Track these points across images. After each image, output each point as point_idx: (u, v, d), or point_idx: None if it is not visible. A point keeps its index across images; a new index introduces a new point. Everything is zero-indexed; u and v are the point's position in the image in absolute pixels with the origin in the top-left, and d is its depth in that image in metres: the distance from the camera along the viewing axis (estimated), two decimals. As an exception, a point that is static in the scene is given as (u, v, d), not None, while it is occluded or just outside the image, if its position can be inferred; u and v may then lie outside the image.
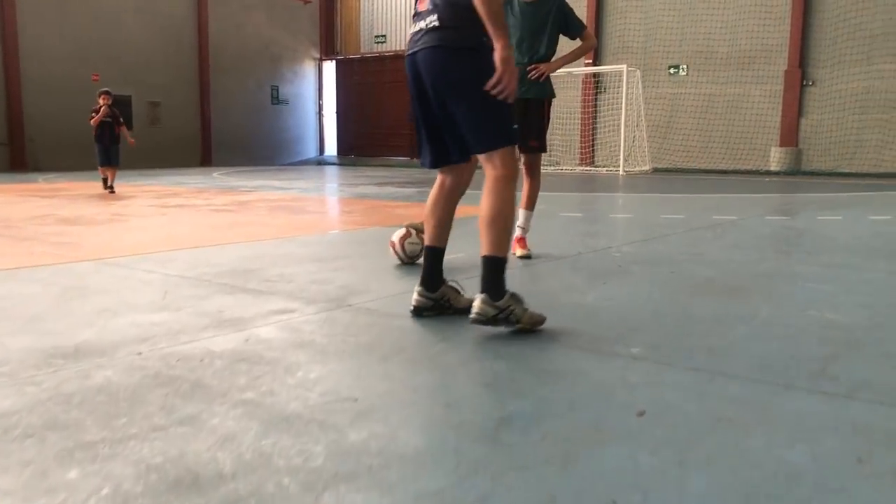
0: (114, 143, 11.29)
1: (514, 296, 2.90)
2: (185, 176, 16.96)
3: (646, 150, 18.90)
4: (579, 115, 21.74)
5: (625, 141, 18.09)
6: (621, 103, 18.38)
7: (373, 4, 27.23)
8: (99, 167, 11.35)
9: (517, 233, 4.91)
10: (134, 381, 2.35)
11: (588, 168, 20.10)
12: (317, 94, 28.48)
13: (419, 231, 4.37)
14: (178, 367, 2.51)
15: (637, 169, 18.32)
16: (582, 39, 4.81)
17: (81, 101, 21.15)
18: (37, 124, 20.20)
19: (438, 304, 3.25)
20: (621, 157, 17.92)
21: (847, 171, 17.54)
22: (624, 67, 17.83)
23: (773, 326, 3.07)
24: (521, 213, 4.91)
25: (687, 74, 20.28)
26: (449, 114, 2.99)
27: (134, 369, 2.49)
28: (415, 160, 25.23)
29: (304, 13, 27.17)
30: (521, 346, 2.77)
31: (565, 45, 4.91)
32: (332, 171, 21.80)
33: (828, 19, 18.24)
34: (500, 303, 2.87)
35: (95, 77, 21.58)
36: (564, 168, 19.90)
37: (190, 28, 23.82)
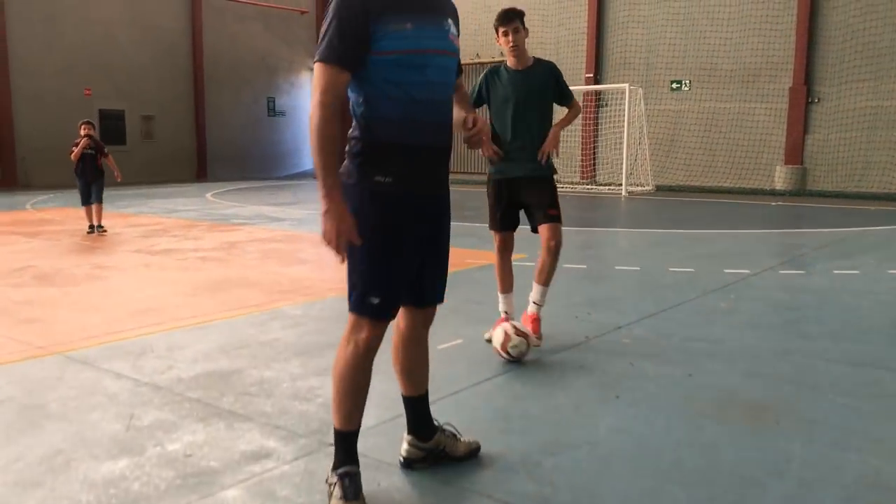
0: (97, 177, 10.14)
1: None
2: (179, 198, 16.58)
3: (648, 168, 18.52)
4: (580, 130, 21.36)
5: (627, 160, 17.71)
6: (623, 120, 18.01)
7: (370, 15, 26.81)
8: (83, 206, 10.14)
9: (531, 309, 4.59)
10: None
11: (589, 186, 19.71)
12: (314, 105, 28.09)
13: (517, 330, 4.17)
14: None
15: (640, 188, 17.94)
16: (569, 108, 4.56)
17: (73, 116, 20.72)
18: (27, 141, 19.82)
19: (433, 454, 2.88)
20: (624, 176, 17.54)
21: (854, 191, 17.17)
22: (626, 86, 17.44)
23: (813, 486, 2.69)
24: (534, 287, 4.60)
25: (689, 90, 19.89)
26: None
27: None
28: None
29: (300, 23, 26.76)
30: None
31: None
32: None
33: (834, 36, 17.87)
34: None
35: (88, 92, 21.22)
36: (565, 185, 19.51)
37: (184, 40, 23.41)
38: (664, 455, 2.99)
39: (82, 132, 10.27)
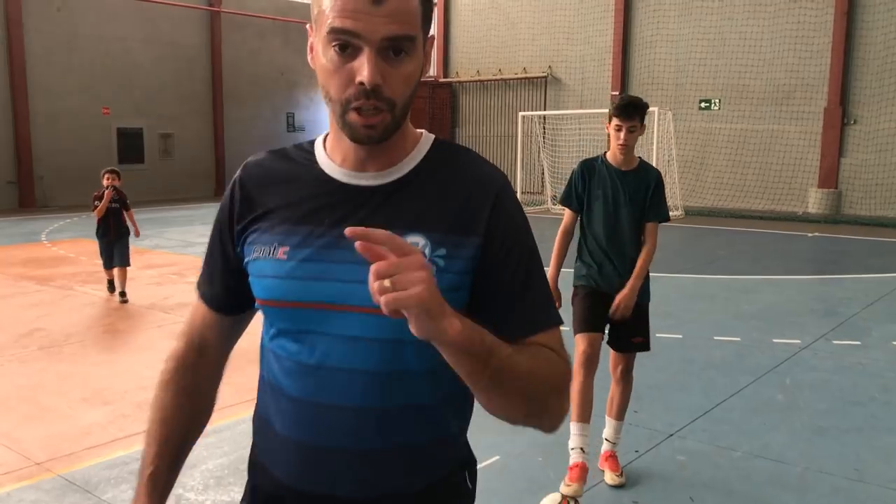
0: (121, 236, 8.65)
1: None
2: (196, 226, 16.29)
3: (677, 192, 17.98)
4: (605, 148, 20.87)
5: (655, 185, 17.20)
6: (652, 141, 17.49)
7: (391, 28, 26.48)
8: (104, 269, 8.74)
9: (605, 447, 4.03)
10: None
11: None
12: (333, 120, 27.81)
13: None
14: None
15: (670, 214, 17.40)
16: (647, 236, 3.86)
17: (91, 135, 20.61)
18: (46, 161, 19.64)
19: None
20: (652, 202, 17.03)
21: (892, 216, 16.55)
22: (655, 110, 16.92)
23: None
24: (607, 422, 4.04)
25: (720, 109, 19.33)
26: None
27: None
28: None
29: (320, 38, 26.46)
30: None
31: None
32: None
33: (871, 54, 17.24)
34: None
35: (106, 110, 21.02)
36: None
37: (203, 56, 23.16)
38: None
39: (105, 182, 8.78)
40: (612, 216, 3.82)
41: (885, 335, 6.93)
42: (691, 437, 4.54)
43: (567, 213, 3.96)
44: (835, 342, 6.69)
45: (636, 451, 4.31)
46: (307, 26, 1.34)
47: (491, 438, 4.43)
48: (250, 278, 1.32)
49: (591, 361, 3.80)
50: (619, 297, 3.76)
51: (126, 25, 21.22)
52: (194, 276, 6.57)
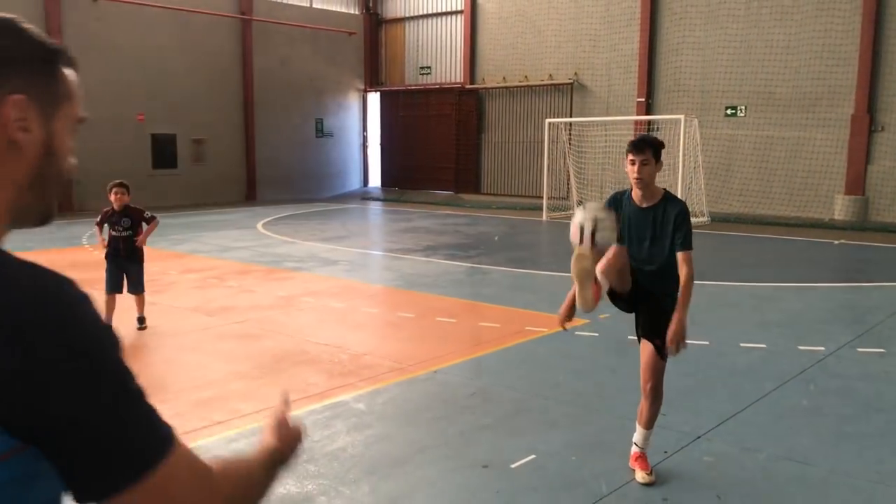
0: (133, 260, 7.46)
1: None
2: (230, 230, 16.69)
3: (703, 198, 18.09)
4: (631, 154, 21.01)
5: (681, 191, 17.33)
6: (678, 148, 17.62)
7: (418, 36, 26.79)
8: (106, 294, 7.31)
9: (634, 449, 4.27)
10: None
11: (641, 214, 19.34)
12: (361, 125, 28.16)
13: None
14: None
15: (695, 220, 17.48)
16: (681, 265, 3.95)
17: (127, 141, 21.15)
18: (83, 166, 20.04)
19: None
20: (677, 208, 17.18)
21: (920, 224, 16.54)
22: (681, 118, 17.05)
23: None
24: (637, 429, 4.28)
25: (746, 116, 19.40)
26: None
27: None
28: (459, 195, 24.74)
29: (348, 45, 26.85)
30: None
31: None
32: (376, 214, 21.43)
33: (899, 62, 17.25)
34: None
35: (140, 117, 21.53)
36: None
37: (234, 64, 23.63)
38: None
39: (113, 199, 7.48)
40: (638, 251, 4.05)
41: (909, 343, 7.08)
42: (718, 440, 4.75)
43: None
44: (859, 350, 6.85)
45: (665, 452, 4.54)
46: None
47: (527, 438, 4.69)
48: None
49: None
50: (669, 333, 3.93)
51: (161, 34, 21.73)
52: (235, 280, 7.25)
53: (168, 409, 5.12)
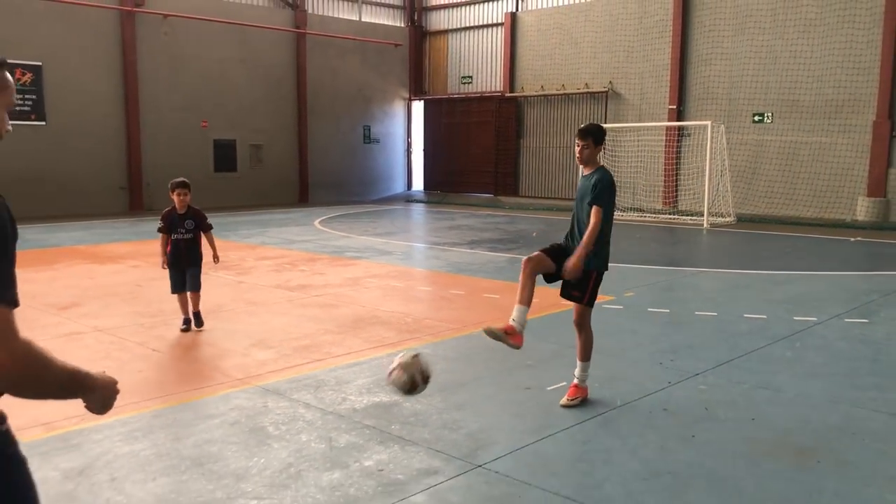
0: (193, 265, 7.56)
1: None
2: (291, 227, 18.20)
3: (729, 200, 19.18)
4: (662, 159, 22.15)
5: (709, 193, 18.45)
6: (705, 154, 18.74)
7: (460, 47, 28.27)
8: (174, 292, 7.58)
9: (573, 380, 5.43)
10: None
11: (671, 215, 20.47)
12: (406, 132, 29.68)
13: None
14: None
15: (721, 220, 18.62)
16: (593, 216, 5.21)
17: (191, 146, 22.91)
18: (152, 169, 21.91)
19: None
20: (705, 209, 18.29)
21: (938, 224, 17.42)
22: (709, 124, 18.20)
23: (836, 513, 3.72)
24: (577, 364, 5.46)
25: (772, 122, 20.44)
26: None
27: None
28: (498, 197, 26.07)
29: (394, 56, 28.40)
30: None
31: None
32: (421, 214, 22.81)
33: (919, 70, 18.16)
34: None
35: (204, 124, 23.25)
36: (647, 215, 20.34)
37: (289, 75, 25.31)
38: (729, 484, 4.06)
39: (175, 198, 7.44)
40: (580, 209, 5.41)
41: (891, 316, 8.23)
42: (712, 376, 6.02)
43: None
44: (846, 320, 8.03)
45: (669, 382, 5.81)
46: None
47: (560, 373, 5.99)
48: None
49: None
50: (568, 262, 5.21)
51: (223, 48, 23.47)
52: (305, 266, 9.58)
53: (276, 352, 6.55)
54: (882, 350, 6.87)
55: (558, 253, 5.36)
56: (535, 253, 5.32)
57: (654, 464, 4.33)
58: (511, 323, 5.03)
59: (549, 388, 5.67)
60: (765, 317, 8.15)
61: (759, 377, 5.98)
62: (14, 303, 1.77)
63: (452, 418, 5.06)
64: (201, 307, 7.66)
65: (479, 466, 4.28)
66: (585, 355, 5.44)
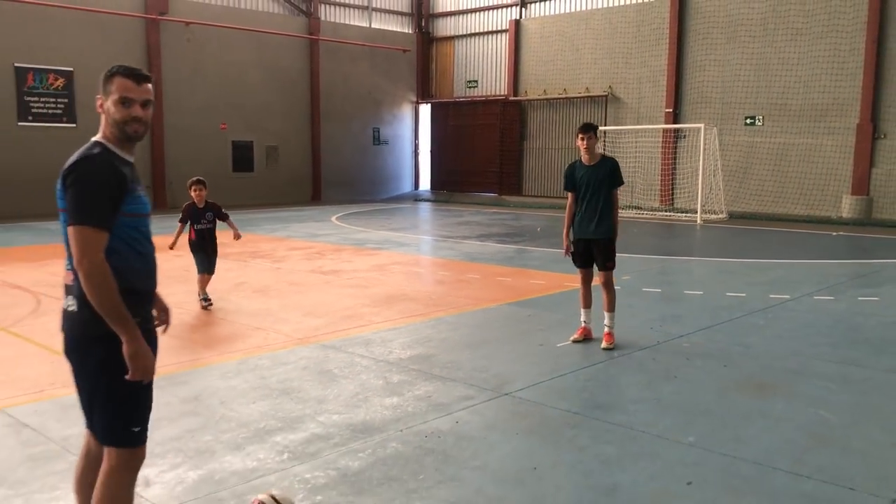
0: (215, 251, 8.73)
1: None
2: (311, 223, 19.38)
3: (722, 197, 20.37)
4: (659, 159, 23.32)
5: (702, 191, 19.64)
6: (699, 154, 19.93)
7: (465, 52, 29.51)
8: (200, 272, 8.59)
9: (605, 329, 6.80)
10: (409, 452, 4.39)
11: (668, 211, 21.65)
12: (413, 134, 30.89)
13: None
14: (428, 441, 4.54)
15: (714, 216, 19.80)
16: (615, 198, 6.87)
17: (211, 147, 24.10)
18: (174, 169, 23.09)
19: None
20: (699, 206, 19.48)
21: (917, 221, 18.60)
22: (703, 126, 19.41)
23: (781, 422, 4.90)
24: (605, 315, 6.81)
25: (763, 125, 21.63)
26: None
27: (405, 443, 4.54)
28: (502, 196, 27.27)
29: (402, 61, 29.62)
30: (614, 434, 4.71)
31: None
32: (431, 212, 23.99)
33: (900, 76, 19.37)
34: None
35: (223, 126, 24.44)
36: (645, 212, 21.53)
37: (303, 79, 26.53)
38: (700, 407, 5.24)
39: (194, 193, 8.42)
40: (585, 194, 6.88)
41: (855, 294, 9.41)
42: (694, 337, 7.19)
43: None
44: (815, 297, 9.21)
45: (657, 342, 6.99)
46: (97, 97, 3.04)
47: (567, 334, 7.18)
48: (130, 205, 2.84)
49: (585, 280, 7.01)
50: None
51: (241, 53, 24.68)
52: (332, 255, 11.55)
53: (325, 321, 7.74)
54: (842, 320, 8.04)
55: (585, 256, 6.89)
56: (580, 271, 6.97)
57: (642, 392, 5.51)
58: (582, 324, 6.97)
59: (558, 345, 6.85)
60: (744, 295, 9.32)
61: (733, 338, 7.16)
62: (103, 227, 2.57)
63: (481, 365, 6.23)
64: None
65: (505, 395, 5.46)
66: (612, 306, 6.83)
